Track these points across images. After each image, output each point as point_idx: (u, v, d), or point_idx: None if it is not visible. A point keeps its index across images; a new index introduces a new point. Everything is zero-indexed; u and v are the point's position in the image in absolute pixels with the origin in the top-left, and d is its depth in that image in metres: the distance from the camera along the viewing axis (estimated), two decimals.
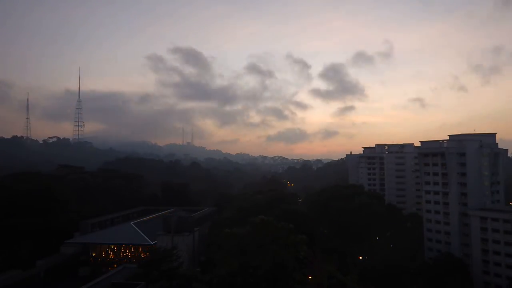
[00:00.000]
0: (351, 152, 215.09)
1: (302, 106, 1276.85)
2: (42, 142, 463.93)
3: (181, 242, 75.32)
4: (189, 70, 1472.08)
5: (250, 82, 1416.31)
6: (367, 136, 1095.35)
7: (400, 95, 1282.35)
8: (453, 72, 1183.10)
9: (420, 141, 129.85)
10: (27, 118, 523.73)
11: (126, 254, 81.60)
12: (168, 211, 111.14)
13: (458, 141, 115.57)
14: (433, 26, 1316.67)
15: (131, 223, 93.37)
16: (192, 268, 67.94)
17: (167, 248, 64.91)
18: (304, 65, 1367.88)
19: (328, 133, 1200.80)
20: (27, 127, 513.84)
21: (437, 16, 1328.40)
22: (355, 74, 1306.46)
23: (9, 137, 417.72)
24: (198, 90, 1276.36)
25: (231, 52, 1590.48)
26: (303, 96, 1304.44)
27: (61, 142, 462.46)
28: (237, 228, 55.76)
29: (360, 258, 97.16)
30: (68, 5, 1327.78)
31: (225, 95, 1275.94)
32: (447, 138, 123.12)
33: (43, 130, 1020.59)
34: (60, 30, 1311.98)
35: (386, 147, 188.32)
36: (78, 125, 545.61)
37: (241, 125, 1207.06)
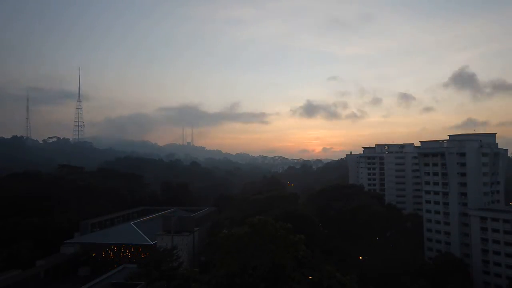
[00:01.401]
0: (351, 152, 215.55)
1: None
2: (42, 142, 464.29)
3: (181, 242, 75.42)
4: None
5: None
6: None
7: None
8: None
9: (420, 141, 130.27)
10: (27, 118, 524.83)
11: (126, 254, 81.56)
12: (168, 211, 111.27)
13: (458, 141, 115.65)
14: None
15: (131, 223, 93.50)
16: (192, 268, 67.94)
17: (167, 248, 65.09)
18: None
19: None
20: (27, 127, 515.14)
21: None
22: None
23: (9, 137, 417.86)
24: None
25: None
26: None
27: (61, 142, 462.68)
28: (236, 229, 55.77)
29: (360, 258, 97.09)
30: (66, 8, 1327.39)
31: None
32: (447, 138, 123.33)
33: (43, 130, 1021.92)
34: (59, 29, 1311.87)
35: (386, 147, 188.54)
36: (78, 125, 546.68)
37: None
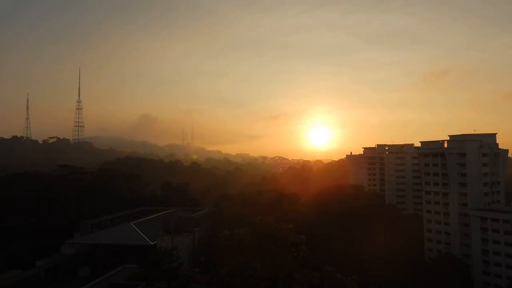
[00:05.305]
0: (351, 152, 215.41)
1: None
2: (42, 142, 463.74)
3: (181, 243, 75.13)
4: None
5: None
6: None
7: None
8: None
9: (420, 141, 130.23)
10: (27, 118, 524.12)
11: (126, 254, 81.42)
12: (168, 211, 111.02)
13: (458, 141, 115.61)
14: None
15: (131, 223, 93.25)
16: (192, 268, 67.87)
17: (167, 248, 64.88)
18: None
19: None
20: (27, 127, 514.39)
21: None
22: None
23: (9, 137, 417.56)
24: None
25: None
26: None
27: (61, 142, 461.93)
28: (237, 229, 55.75)
29: (360, 258, 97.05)
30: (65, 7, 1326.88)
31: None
32: (447, 138, 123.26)
33: (43, 130, 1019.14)
34: (60, 30, 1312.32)
35: (387, 147, 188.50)
36: (78, 125, 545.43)
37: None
